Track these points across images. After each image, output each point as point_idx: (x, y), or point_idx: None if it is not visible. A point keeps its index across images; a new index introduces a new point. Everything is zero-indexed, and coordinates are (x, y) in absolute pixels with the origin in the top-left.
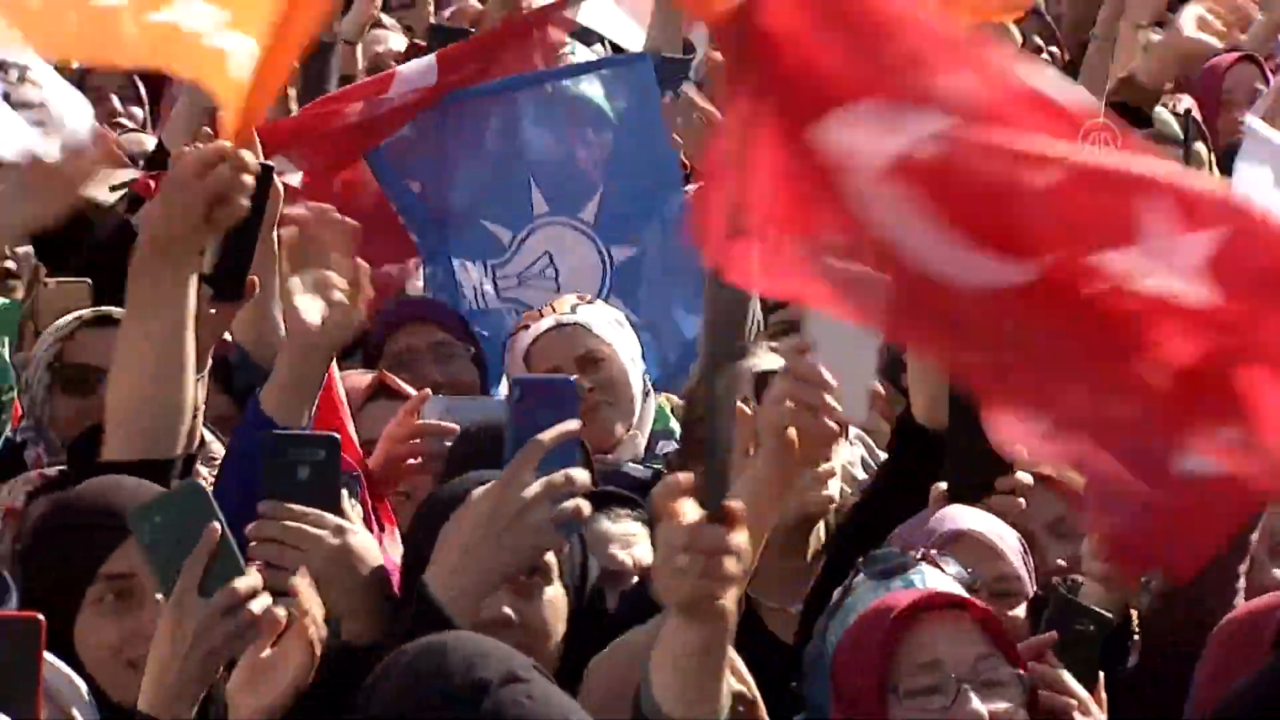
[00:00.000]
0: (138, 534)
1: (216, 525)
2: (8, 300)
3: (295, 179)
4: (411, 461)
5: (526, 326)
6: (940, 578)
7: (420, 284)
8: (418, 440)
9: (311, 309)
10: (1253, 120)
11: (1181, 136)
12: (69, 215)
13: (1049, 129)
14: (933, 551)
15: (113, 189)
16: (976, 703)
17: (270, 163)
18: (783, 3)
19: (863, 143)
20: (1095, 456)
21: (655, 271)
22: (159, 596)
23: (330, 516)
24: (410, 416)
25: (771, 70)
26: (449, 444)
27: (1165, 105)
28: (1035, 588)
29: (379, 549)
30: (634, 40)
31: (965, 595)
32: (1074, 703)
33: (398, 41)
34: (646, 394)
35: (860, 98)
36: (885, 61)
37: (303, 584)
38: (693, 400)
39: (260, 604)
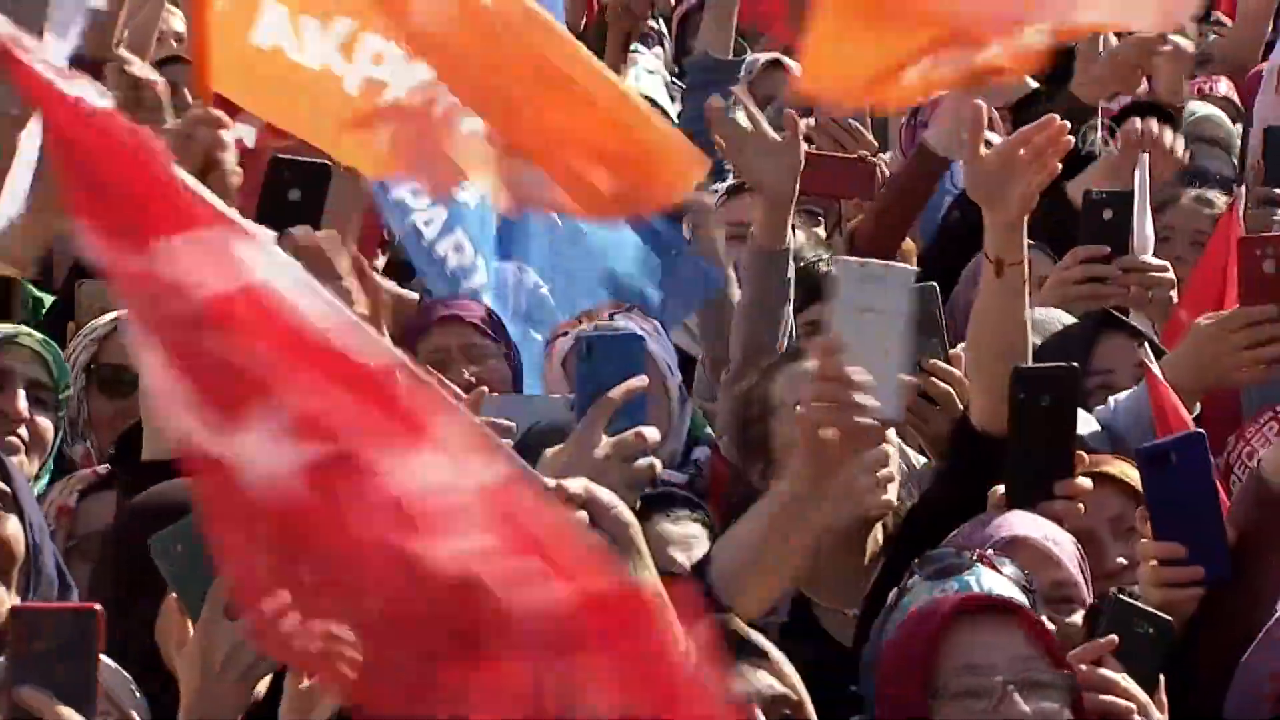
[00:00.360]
0: (161, 563)
1: None
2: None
3: (250, 137)
4: None
5: (565, 333)
6: (996, 579)
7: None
8: None
9: None
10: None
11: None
12: None
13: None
14: (989, 552)
15: None
16: (1021, 704)
17: (325, 162)
18: None
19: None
20: None
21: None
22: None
23: None
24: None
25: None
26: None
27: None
28: (1092, 594)
29: None
30: None
31: (1008, 597)
32: (1133, 706)
33: None
34: (684, 401)
35: None
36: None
37: None
38: (749, 400)
39: (289, 625)
